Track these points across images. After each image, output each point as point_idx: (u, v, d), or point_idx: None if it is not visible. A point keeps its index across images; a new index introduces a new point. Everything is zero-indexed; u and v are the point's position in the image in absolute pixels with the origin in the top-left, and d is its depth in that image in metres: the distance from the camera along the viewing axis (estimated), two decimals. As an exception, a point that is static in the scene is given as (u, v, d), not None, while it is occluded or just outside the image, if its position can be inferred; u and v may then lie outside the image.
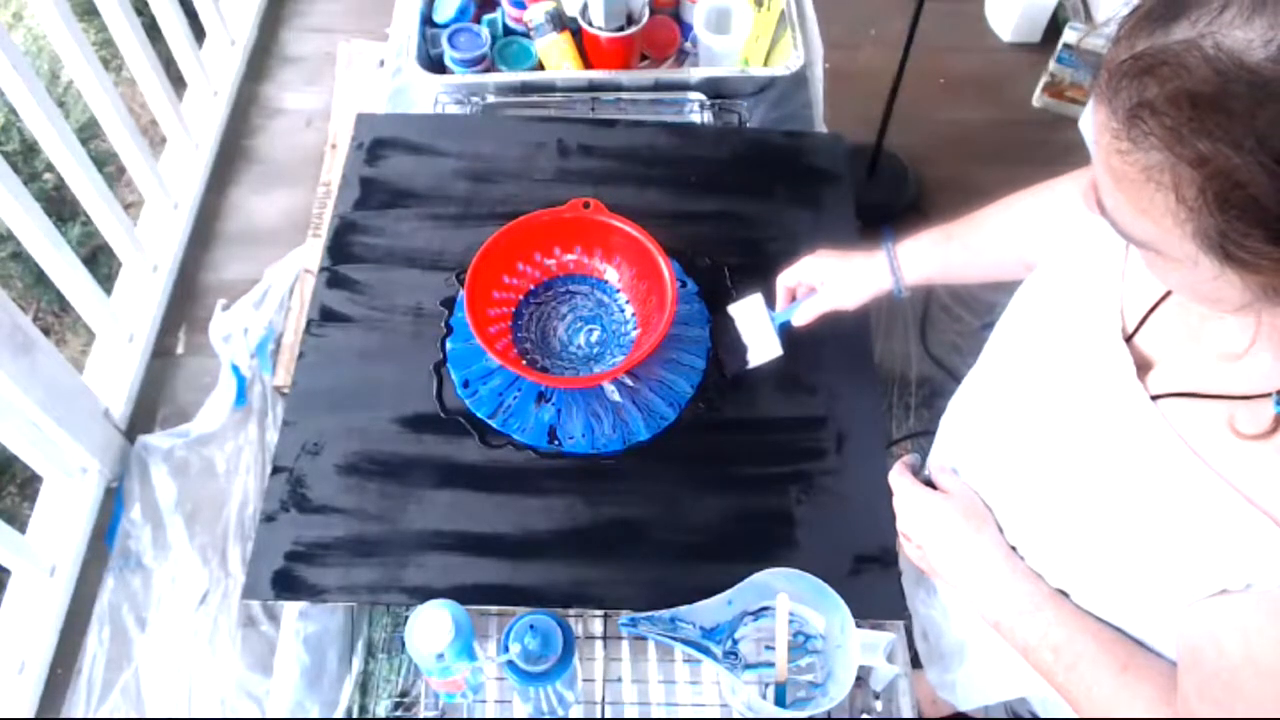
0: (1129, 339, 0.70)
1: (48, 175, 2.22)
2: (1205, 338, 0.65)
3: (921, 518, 0.88)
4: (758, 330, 1.04)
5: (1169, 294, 0.68)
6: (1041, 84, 2.39)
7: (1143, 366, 0.68)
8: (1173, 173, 0.50)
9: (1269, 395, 0.58)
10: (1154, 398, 0.66)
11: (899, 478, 0.91)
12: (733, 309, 1.06)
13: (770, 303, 1.05)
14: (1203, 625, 0.64)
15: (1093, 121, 0.54)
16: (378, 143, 1.27)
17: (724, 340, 1.09)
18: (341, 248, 1.18)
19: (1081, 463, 0.72)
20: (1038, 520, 0.79)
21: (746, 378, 1.08)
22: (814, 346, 1.12)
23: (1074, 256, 0.77)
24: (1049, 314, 0.80)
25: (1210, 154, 0.48)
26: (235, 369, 1.91)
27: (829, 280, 1.01)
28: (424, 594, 0.92)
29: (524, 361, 1.08)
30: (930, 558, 0.87)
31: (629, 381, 1.07)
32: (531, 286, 1.15)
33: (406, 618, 0.91)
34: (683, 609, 0.91)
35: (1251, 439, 0.58)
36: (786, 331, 1.04)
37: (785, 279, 1.05)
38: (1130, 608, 0.72)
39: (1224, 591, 0.61)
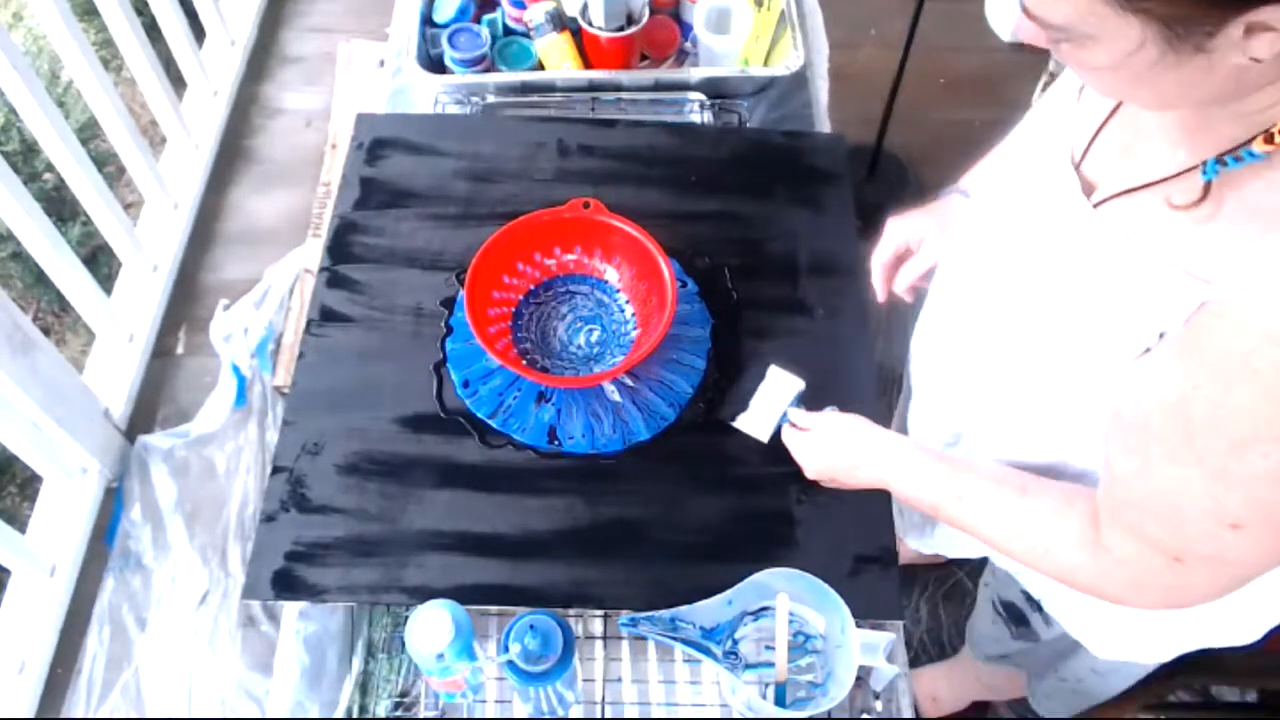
0: (1078, 167, 0.78)
1: (48, 175, 2.22)
2: (1136, 149, 0.73)
3: (808, 462, 0.98)
4: (769, 407, 1.02)
5: (1107, 121, 0.77)
6: (1041, 84, 2.39)
7: (1089, 189, 0.76)
8: None
9: (1193, 169, 0.65)
10: (1096, 205, 0.74)
11: (788, 442, 1.00)
12: (773, 371, 1.03)
13: (803, 398, 1.02)
14: (1125, 390, 0.70)
15: None
16: (378, 143, 1.27)
17: (738, 386, 1.07)
18: (341, 248, 1.18)
19: (1031, 273, 0.80)
20: (995, 342, 0.86)
21: (746, 377, 1.08)
22: (815, 348, 1.12)
23: (1034, 123, 0.88)
24: (1012, 171, 0.88)
25: None
26: (235, 369, 1.91)
27: (928, 236, 1.05)
28: (424, 594, 0.92)
29: (524, 361, 1.08)
30: (839, 481, 0.97)
31: (629, 381, 1.08)
32: (531, 286, 1.15)
33: (406, 618, 0.91)
34: (683, 609, 0.91)
35: (1184, 209, 0.65)
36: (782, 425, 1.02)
37: (883, 255, 1.09)
38: (1066, 407, 0.79)
39: (1146, 351, 0.68)
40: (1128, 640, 1.00)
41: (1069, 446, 0.82)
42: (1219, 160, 0.62)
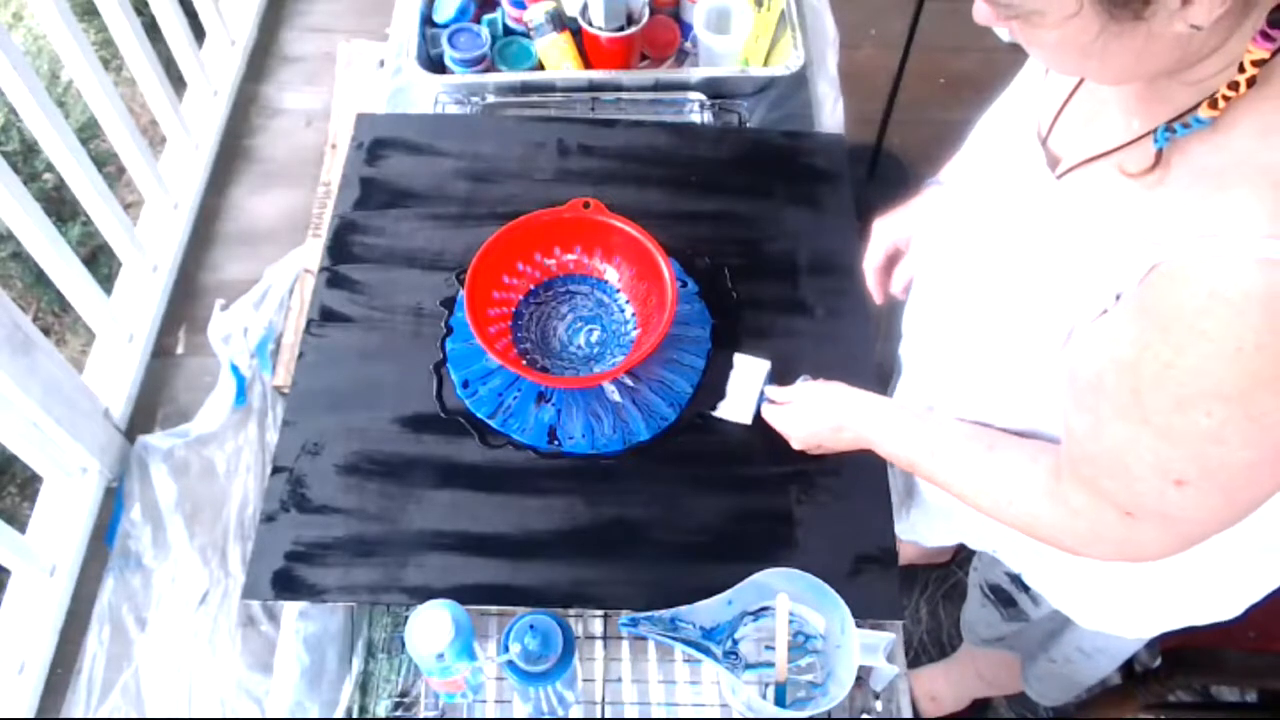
0: (1044, 141, 0.80)
1: (48, 175, 2.22)
2: (1096, 120, 0.75)
3: (793, 430, 1.01)
4: (744, 390, 1.06)
5: (1071, 96, 0.79)
6: (1041, 84, 2.39)
7: (1054, 162, 0.78)
8: None
9: (1145, 137, 0.67)
10: (1059, 177, 0.76)
11: (770, 417, 1.03)
12: (739, 358, 1.07)
13: (773, 376, 1.06)
14: (1079, 352, 0.72)
15: None
16: (378, 143, 1.27)
17: (709, 378, 1.09)
18: (341, 248, 1.18)
19: (1000, 246, 0.81)
20: (968, 316, 0.88)
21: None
22: (815, 348, 1.12)
23: (1004, 103, 0.92)
24: (983, 149, 0.92)
25: None
26: (235, 369, 1.91)
27: (916, 234, 1.07)
28: (424, 594, 0.92)
29: (524, 361, 1.09)
30: (826, 446, 0.99)
31: (629, 381, 1.08)
32: (531, 286, 1.15)
33: (406, 618, 0.91)
34: (683, 609, 0.91)
35: (1136, 176, 0.67)
36: (762, 403, 1.05)
37: (874, 259, 1.11)
38: (1036, 377, 0.79)
39: (1104, 313, 0.69)
40: (1110, 612, 1.02)
41: (1039, 416, 0.83)
42: (1168, 128, 0.64)
